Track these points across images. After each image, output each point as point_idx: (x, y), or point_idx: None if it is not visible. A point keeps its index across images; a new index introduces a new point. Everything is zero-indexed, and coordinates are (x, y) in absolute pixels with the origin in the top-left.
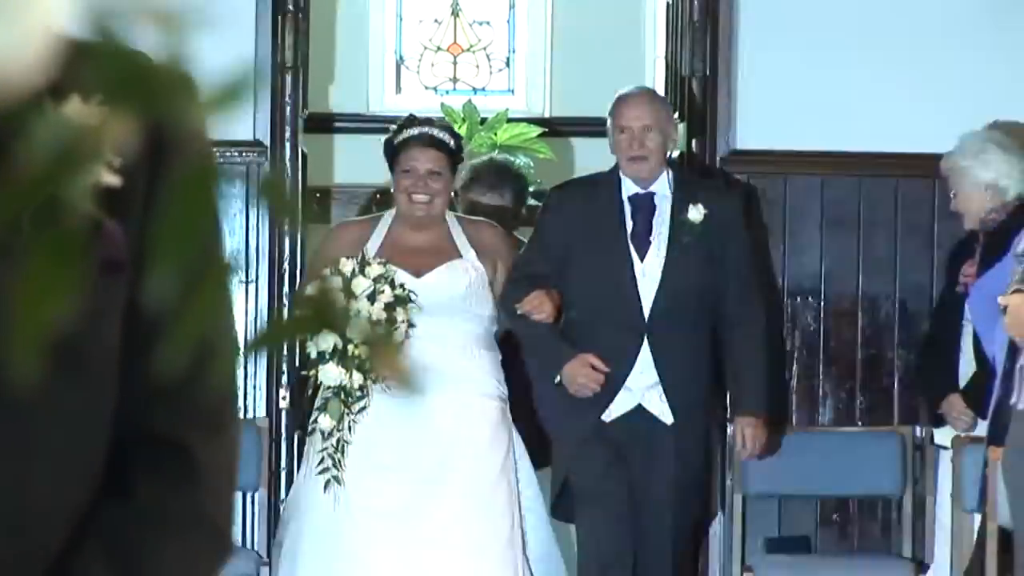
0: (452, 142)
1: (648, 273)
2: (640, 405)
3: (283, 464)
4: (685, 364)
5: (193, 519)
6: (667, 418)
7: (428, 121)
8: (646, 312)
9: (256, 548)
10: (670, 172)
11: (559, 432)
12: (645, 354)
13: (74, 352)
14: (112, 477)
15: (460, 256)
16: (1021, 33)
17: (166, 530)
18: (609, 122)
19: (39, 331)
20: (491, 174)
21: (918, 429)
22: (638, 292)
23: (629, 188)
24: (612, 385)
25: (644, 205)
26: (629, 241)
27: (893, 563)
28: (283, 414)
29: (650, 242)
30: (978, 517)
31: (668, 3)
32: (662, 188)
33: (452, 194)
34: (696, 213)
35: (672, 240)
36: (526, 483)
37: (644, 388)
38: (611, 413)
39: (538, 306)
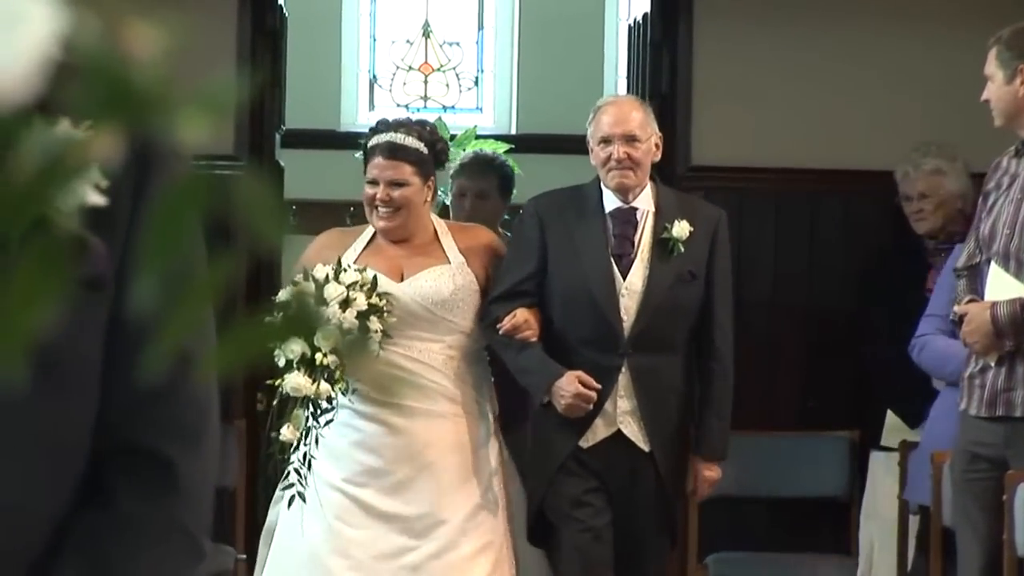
0: (421, 147)
1: (630, 292)
2: (620, 431)
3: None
4: (665, 389)
5: (170, 529)
6: (644, 445)
7: (397, 125)
8: (627, 332)
9: (233, 545)
10: (653, 186)
11: (537, 456)
12: (625, 377)
13: (52, 362)
14: (94, 488)
15: (448, 262)
16: (970, 53)
17: (143, 540)
18: (589, 132)
19: (22, 338)
20: (477, 163)
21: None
22: (620, 311)
23: (611, 202)
24: (591, 410)
25: (626, 220)
26: (611, 258)
27: (842, 561)
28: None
29: (632, 260)
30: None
31: (629, 26)
32: (645, 203)
33: (432, 193)
34: (680, 229)
35: (654, 258)
36: (518, 506)
37: (623, 413)
38: (588, 440)
39: (522, 325)
